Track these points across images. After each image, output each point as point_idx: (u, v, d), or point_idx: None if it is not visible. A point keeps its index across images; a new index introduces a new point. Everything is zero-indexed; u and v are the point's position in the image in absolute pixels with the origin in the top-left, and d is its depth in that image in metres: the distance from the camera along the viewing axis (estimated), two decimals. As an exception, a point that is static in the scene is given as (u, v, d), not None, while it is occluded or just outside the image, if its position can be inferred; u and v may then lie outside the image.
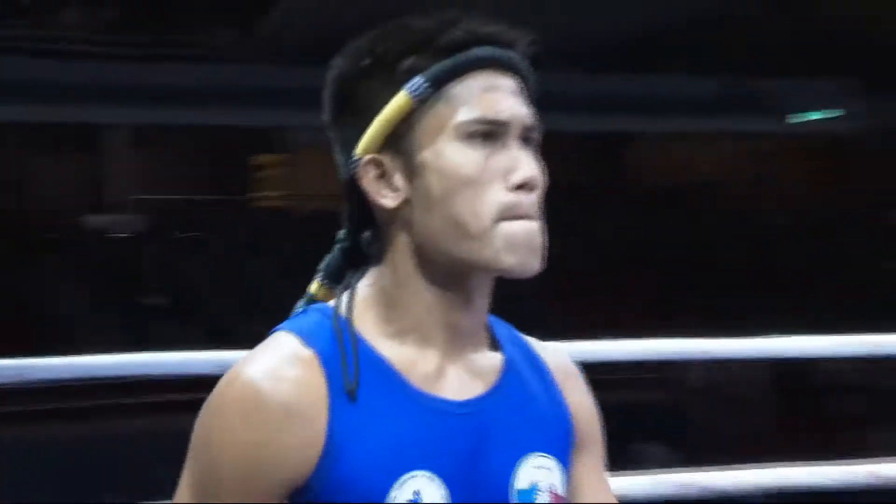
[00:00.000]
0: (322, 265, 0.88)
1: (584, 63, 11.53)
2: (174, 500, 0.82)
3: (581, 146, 13.29)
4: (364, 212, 0.83)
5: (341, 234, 0.87)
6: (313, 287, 0.88)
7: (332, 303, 0.83)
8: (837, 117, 11.89)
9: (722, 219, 12.49)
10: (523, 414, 0.87)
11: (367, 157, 0.80)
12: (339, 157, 0.85)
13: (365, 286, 0.84)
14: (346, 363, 0.79)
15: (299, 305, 0.88)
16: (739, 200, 13.04)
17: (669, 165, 14.16)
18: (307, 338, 0.81)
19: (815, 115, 12.20)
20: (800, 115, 12.22)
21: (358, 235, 0.85)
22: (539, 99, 0.89)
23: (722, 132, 13.23)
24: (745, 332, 2.52)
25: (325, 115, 0.86)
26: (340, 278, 0.86)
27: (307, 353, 0.80)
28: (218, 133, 13.01)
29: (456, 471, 0.80)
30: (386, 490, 0.77)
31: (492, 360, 0.87)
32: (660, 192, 13.49)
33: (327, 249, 0.97)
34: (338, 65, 0.85)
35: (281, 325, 0.84)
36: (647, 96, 12.09)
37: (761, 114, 12.09)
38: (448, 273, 0.82)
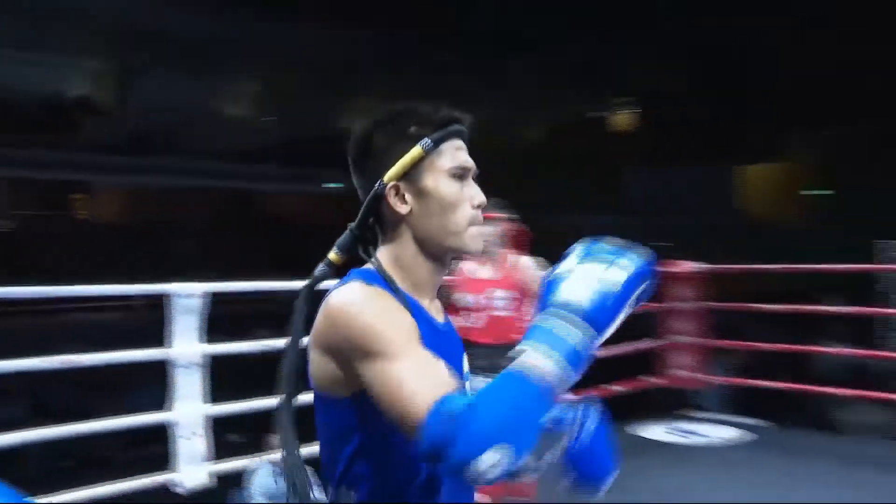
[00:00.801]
0: (338, 242, 1.23)
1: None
2: (389, 389, 1.04)
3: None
4: (378, 214, 1.22)
5: (352, 225, 1.23)
6: (332, 255, 1.23)
7: (367, 266, 1.20)
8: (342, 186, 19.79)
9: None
10: (454, 330, 1.31)
11: (392, 182, 1.20)
12: (360, 181, 1.23)
13: (383, 260, 1.22)
14: (403, 297, 1.14)
15: (321, 265, 1.21)
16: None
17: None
18: (370, 282, 1.16)
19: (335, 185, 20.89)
20: (331, 183, 20.88)
21: (366, 227, 1.22)
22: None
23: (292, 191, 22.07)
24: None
25: (351, 156, 1.24)
26: (349, 251, 1.21)
27: (377, 286, 1.15)
28: (61, 183, 19.87)
29: (450, 362, 1.13)
30: None
31: (439, 302, 1.28)
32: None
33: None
34: (364, 126, 1.23)
35: (346, 279, 1.17)
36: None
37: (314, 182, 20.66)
38: (434, 254, 1.23)
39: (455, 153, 1.24)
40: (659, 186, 19.77)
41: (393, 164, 1.21)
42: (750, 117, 19.56)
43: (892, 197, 15.27)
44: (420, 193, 1.22)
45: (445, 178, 1.23)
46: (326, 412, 1.19)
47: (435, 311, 1.27)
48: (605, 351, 4.98)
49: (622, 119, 21.43)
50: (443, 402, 1.00)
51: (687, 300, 6.26)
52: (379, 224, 1.25)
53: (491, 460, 0.94)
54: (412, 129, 1.22)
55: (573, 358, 1.00)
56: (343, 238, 1.24)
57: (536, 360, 0.99)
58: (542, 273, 3.17)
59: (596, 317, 1.02)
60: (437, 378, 1.05)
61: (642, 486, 4.11)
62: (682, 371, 6.20)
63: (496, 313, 3.61)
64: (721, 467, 4.99)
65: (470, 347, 2.96)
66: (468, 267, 3.76)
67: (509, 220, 3.73)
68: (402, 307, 1.14)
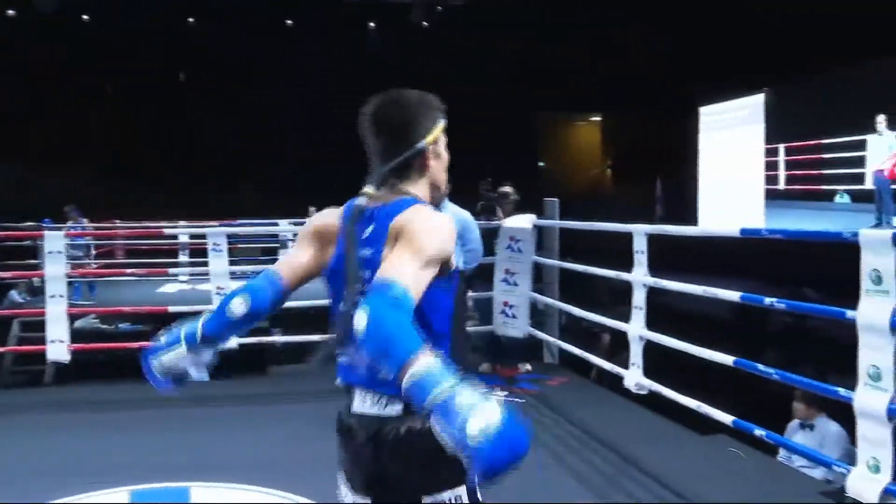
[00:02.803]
0: (370, 179, 1.67)
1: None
2: (405, 263, 1.48)
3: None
4: (410, 163, 1.67)
5: (384, 169, 1.67)
6: (369, 189, 1.65)
7: (410, 196, 1.67)
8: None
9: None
10: None
11: (430, 145, 1.69)
12: (389, 141, 1.67)
13: (420, 196, 1.69)
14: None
15: (364, 193, 1.65)
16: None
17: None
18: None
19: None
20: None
21: (395, 170, 1.66)
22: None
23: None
24: None
25: (388, 123, 1.69)
26: (381, 186, 1.65)
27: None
28: None
29: None
30: None
31: None
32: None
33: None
34: (402, 104, 1.70)
35: (412, 201, 1.64)
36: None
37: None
38: (433, 197, 1.73)
39: None
40: None
41: (427, 132, 1.70)
42: None
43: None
44: (437, 155, 1.73)
45: (444, 148, 1.76)
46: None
47: None
48: None
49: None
50: (405, 296, 1.40)
51: None
52: (406, 171, 1.69)
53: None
54: (436, 110, 1.74)
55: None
56: (375, 178, 1.66)
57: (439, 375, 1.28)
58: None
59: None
60: (418, 288, 1.45)
61: None
62: None
63: None
64: None
65: None
66: None
67: None
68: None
